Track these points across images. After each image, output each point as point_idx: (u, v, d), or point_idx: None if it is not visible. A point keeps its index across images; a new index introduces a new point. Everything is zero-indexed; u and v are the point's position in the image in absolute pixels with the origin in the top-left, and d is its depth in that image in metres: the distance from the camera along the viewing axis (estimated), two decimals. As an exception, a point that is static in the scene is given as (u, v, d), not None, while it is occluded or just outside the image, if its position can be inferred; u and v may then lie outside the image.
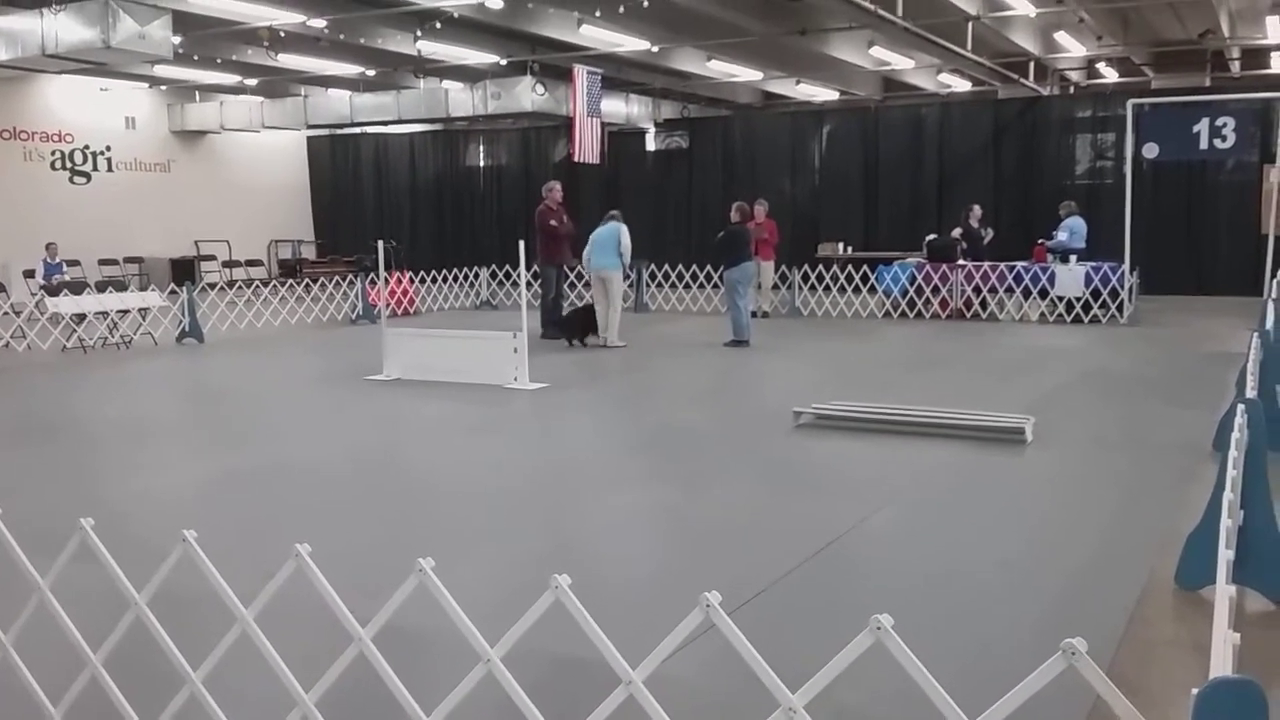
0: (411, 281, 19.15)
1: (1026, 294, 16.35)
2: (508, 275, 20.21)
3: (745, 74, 23.51)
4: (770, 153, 24.33)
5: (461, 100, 22.33)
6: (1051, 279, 16.14)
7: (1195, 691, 1.76)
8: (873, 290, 17.59)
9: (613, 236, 13.67)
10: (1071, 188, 20.62)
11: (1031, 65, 21.64)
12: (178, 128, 25.34)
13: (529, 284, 12.51)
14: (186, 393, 11.57)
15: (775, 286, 17.97)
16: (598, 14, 17.12)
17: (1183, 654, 4.02)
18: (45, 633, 3.18)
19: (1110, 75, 24.66)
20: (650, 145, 25.96)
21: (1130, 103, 16.33)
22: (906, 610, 3.84)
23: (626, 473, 7.32)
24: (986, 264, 16.68)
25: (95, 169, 23.67)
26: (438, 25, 17.65)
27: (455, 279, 20.49)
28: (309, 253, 27.79)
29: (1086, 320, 15.74)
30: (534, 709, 2.54)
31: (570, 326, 13.95)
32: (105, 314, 14.44)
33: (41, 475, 7.26)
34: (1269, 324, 8.28)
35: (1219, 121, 15.01)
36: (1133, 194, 15.85)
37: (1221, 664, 2.21)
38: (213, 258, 25.40)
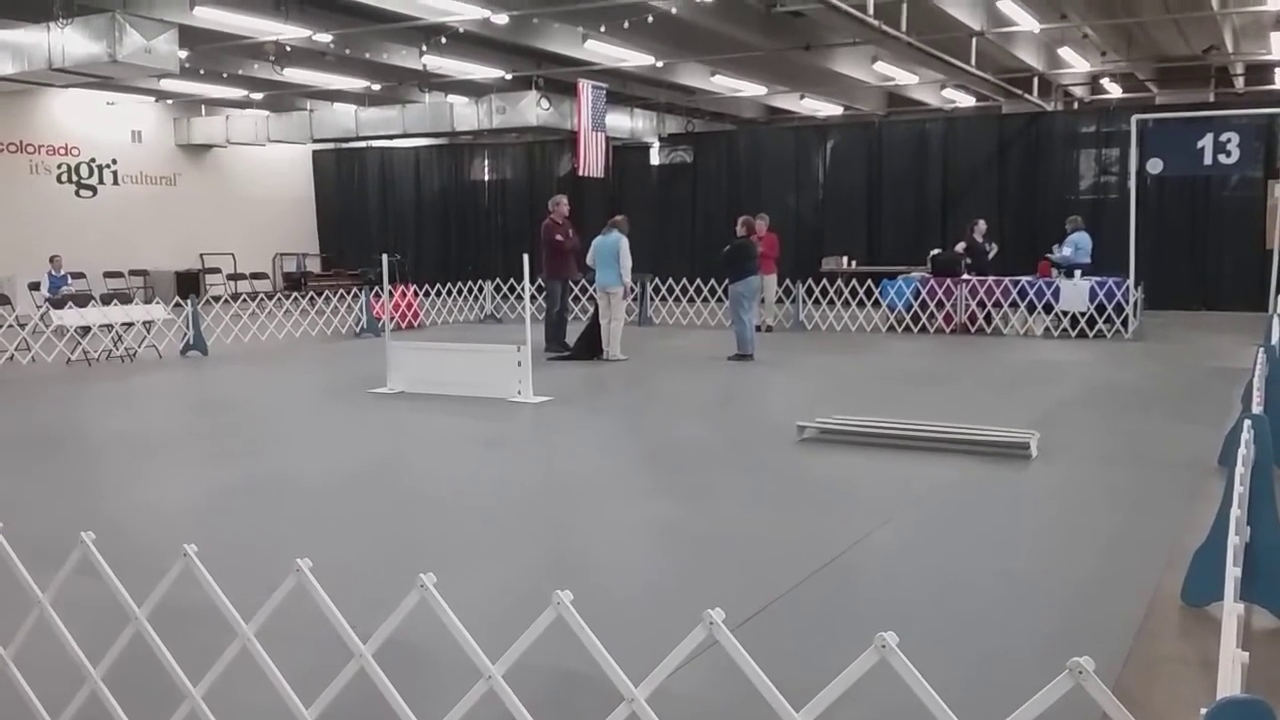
0: (416, 295, 19.18)
1: (1031, 309, 16.34)
2: (512, 289, 20.24)
3: (749, 89, 23.56)
4: (774, 167, 24.37)
5: (466, 114, 22.40)
6: (1056, 294, 16.13)
7: (1204, 711, 1.75)
8: (877, 305, 17.59)
9: (612, 251, 13.66)
10: (1076, 203, 20.64)
11: (1035, 80, 21.67)
12: (184, 141, 25.44)
13: (533, 298, 12.52)
14: (190, 406, 11.57)
15: (779, 300, 17.97)
16: (602, 29, 17.17)
17: (1190, 672, 3.99)
18: (46, 646, 3.17)
19: (1114, 91, 24.69)
20: (654, 159, 26.01)
21: (1134, 118, 16.35)
22: (911, 626, 3.83)
23: (630, 487, 7.30)
24: (991, 278, 16.67)
25: (101, 182, 23.76)
26: (443, 40, 17.71)
27: (459, 292, 20.51)
28: (314, 266, 27.87)
29: (1091, 335, 15.72)
30: (536, 726, 2.53)
31: (589, 346, 13.86)
32: (110, 327, 14.46)
33: (44, 488, 7.26)
34: (1274, 339, 8.26)
35: (1223, 137, 15.01)
36: (1137, 209, 15.85)
37: (1230, 682, 2.19)
38: (217, 271, 25.47)
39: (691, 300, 19.18)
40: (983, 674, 3.95)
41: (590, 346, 13.79)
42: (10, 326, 14.76)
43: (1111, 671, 3.77)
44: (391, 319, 13.85)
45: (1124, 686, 3.69)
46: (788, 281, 17.98)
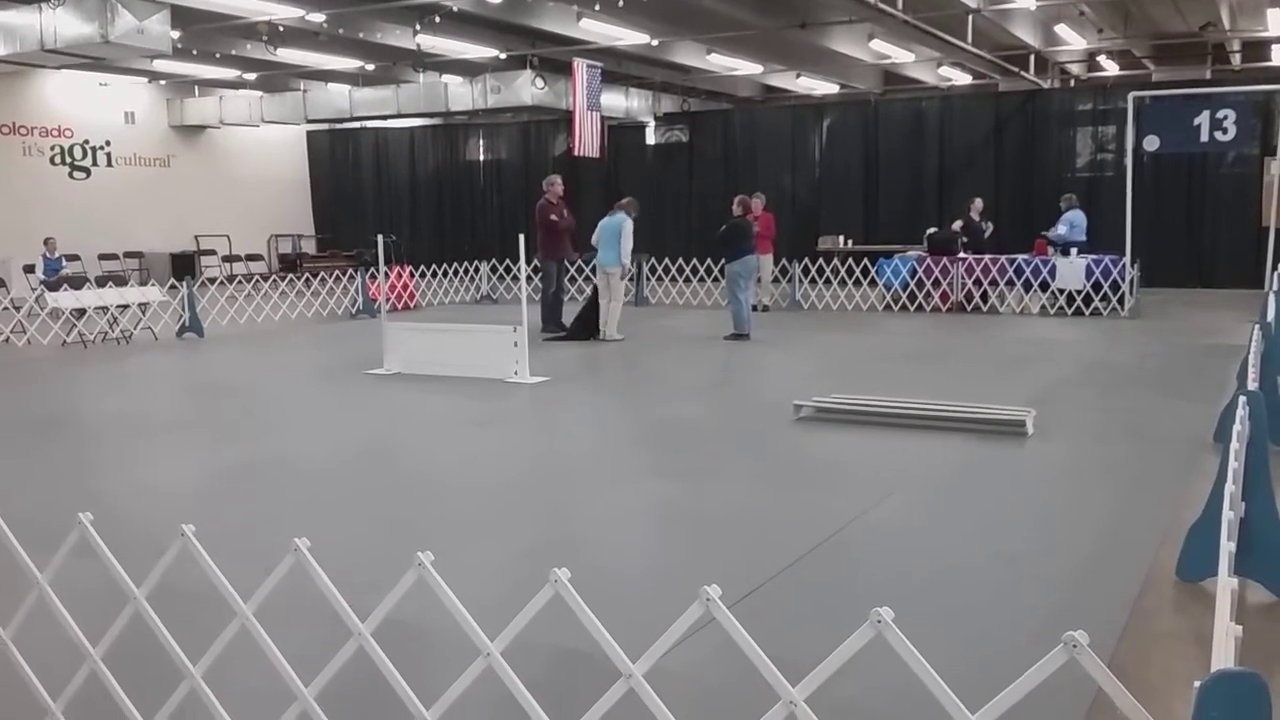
0: (411, 276, 19.14)
1: (1027, 287, 16.34)
2: (508, 269, 20.21)
3: (745, 67, 23.48)
4: (770, 146, 24.30)
5: (461, 94, 22.31)
6: (1052, 272, 16.13)
7: (1198, 684, 1.76)
8: (873, 283, 17.58)
9: (615, 231, 13.65)
10: (1072, 180, 20.59)
11: (1032, 58, 21.61)
12: (177, 122, 25.33)
13: (529, 278, 12.50)
14: (186, 387, 11.56)
15: (775, 280, 17.96)
16: (597, 7, 17.09)
17: (1184, 646, 4.01)
18: (45, 628, 3.17)
19: (1111, 68, 24.62)
20: (650, 139, 25.93)
21: (1131, 95, 16.30)
22: (907, 603, 3.84)
23: (627, 466, 7.31)
24: (987, 257, 16.67)
25: (95, 164, 23.67)
26: (437, 19, 17.62)
27: (455, 273, 20.48)
28: (309, 247, 27.79)
29: (1087, 313, 15.73)
30: (534, 703, 2.54)
31: (585, 326, 13.86)
32: (105, 309, 14.44)
33: (41, 470, 7.26)
34: (1270, 316, 8.26)
35: (1220, 114, 14.97)
36: (1133, 187, 15.83)
37: (1223, 656, 2.20)
38: (213, 252, 25.42)
39: (688, 280, 19.17)
40: (978, 649, 3.97)
41: (587, 327, 13.79)
42: (5, 309, 14.73)
43: (1106, 646, 3.80)
44: (387, 300, 13.84)
45: (1119, 661, 3.71)
46: (784, 261, 17.96)
